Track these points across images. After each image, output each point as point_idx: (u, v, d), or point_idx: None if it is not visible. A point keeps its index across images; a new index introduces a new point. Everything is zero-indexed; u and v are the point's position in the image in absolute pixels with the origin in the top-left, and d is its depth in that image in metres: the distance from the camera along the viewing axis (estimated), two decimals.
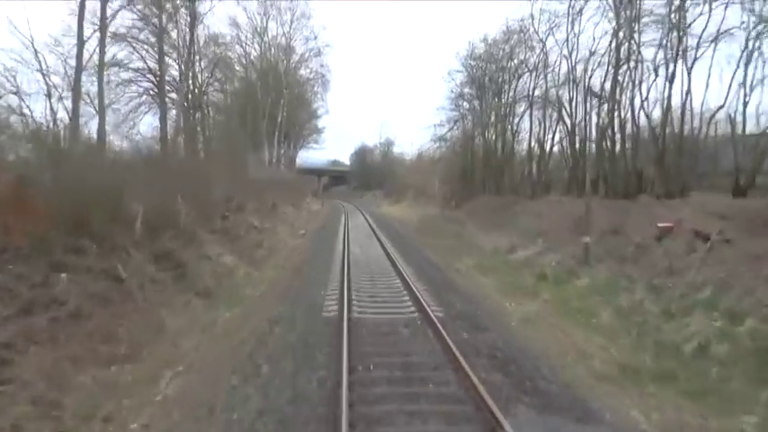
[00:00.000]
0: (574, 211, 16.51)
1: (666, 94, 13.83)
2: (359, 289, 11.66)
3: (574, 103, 18.55)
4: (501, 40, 25.42)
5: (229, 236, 18.11)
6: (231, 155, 35.61)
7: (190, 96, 29.05)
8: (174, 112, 29.07)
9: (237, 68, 42.39)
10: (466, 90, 30.00)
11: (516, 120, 24.67)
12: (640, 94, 14.31)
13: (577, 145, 18.41)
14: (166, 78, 27.27)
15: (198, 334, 8.91)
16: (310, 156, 66.55)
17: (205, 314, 10.33)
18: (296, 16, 46.65)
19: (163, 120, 23.27)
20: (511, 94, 25.52)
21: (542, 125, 21.37)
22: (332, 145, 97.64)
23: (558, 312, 9.77)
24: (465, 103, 30.42)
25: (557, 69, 20.97)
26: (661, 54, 14.29)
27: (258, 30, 44.89)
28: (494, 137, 27.63)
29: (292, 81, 50.67)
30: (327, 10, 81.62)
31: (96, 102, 16.96)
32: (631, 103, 14.65)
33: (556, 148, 21.13)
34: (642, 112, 14.16)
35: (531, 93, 22.47)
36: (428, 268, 14.69)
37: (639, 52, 14.51)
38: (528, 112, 23.72)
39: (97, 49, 16.71)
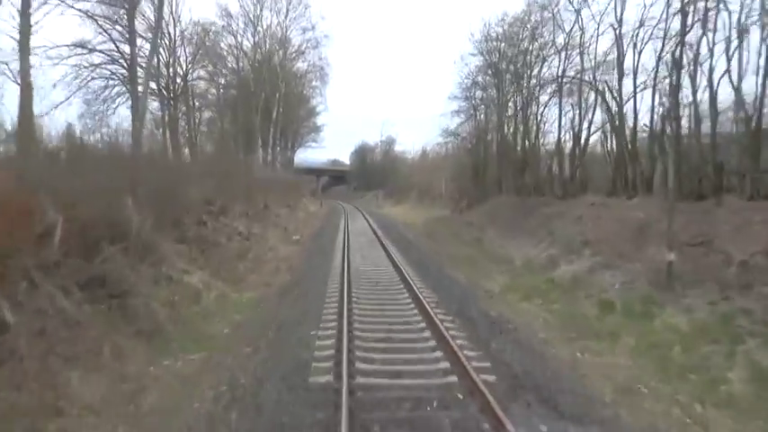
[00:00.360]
0: (627, 215, 13.35)
1: (763, 61, 10.60)
2: (363, 325, 8.49)
3: (619, 84, 15.35)
4: (522, 19, 22.26)
5: (205, 245, 14.88)
6: (218, 151, 32.55)
7: (171, 86, 25.88)
8: (155, 103, 26.02)
9: (229, 59, 39.22)
10: (479, 78, 26.81)
11: (541, 109, 21.50)
12: (728, 58, 11.01)
13: (627, 133, 15.17)
14: (143, 65, 24.16)
15: (114, 414, 5.73)
16: (309, 155, 63.60)
17: (142, 369, 7.15)
18: (292, 5, 43.51)
19: (135, 110, 20.06)
20: (533, 81, 22.32)
21: (576, 112, 18.14)
22: (331, 144, 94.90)
23: (661, 372, 6.59)
24: (479, 92, 27.21)
25: (592, 46, 17.83)
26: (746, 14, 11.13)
27: (251, 18, 41.70)
28: (512, 129, 24.40)
29: (289, 75, 47.56)
30: (326, 1, 78.31)
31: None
32: (709, 77, 11.46)
33: (593, 139, 17.97)
34: (730, 85, 10.93)
35: (560, 76, 19.25)
36: (451, 289, 11.52)
37: (725, 6, 11.24)
38: (556, 99, 20.54)
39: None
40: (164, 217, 13.79)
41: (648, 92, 14.56)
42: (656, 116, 14.21)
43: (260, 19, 42.20)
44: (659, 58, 14.01)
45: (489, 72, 25.31)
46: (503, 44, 23.78)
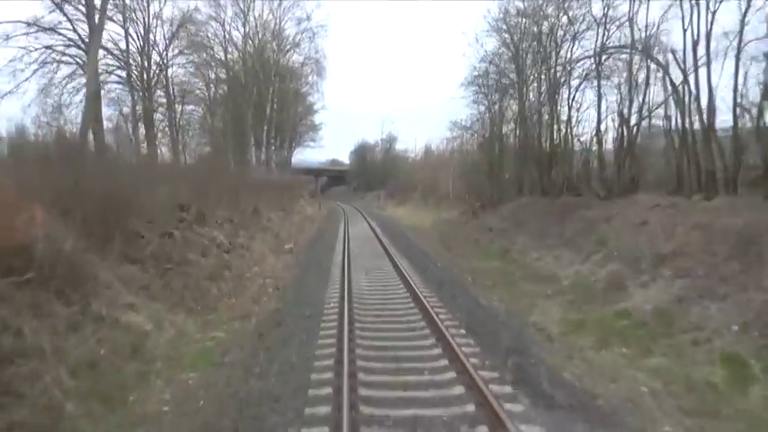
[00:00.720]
0: (716, 221, 10.19)
1: None
2: (372, 407, 5.36)
3: (694, 52, 12.06)
4: None
5: (168, 264, 11.73)
6: (202, 148, 29.54)
7: (145, 75, 22.69)
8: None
9: (216, 50, 35.98)
10: (496, 61, 23.52)
11: (572, 93, 18.22)
12: None
13: (703, 116, 11.93)
14: (110, 48, 21.09)
15: None
16: (308, 155, 60.89)
17: None
18: None
19: (91, 99, 16.97)
20: (561, 61, 19.12)
21: (624, 92, 14.83)
22: (330, 143, 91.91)
23: None
24: (495, 77, 23.83)
25: (641, 13, 14.67)
26: None
27: (241, 6, 38.42)
28: (536, 117, 21.15)
29: (283, 69, 44.46)
30: None
31: None
32: None
33: (644, 124, 14.74)
34: None
35: (599, 51, 15.98)
36: (491, 326, 8.38)
37: None
38: (590, 82, 17.39)
39: None
40: (111, 230, 10.73)
41: (729, 62, 11.44)
42: (742, 91, 11.08)
43: (251, 8, 39.07)
44: (744, 17, 10.94)
45: (509, 53, 22.12)
46: (524, 20, 20.64)
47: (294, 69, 46.62)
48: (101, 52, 18.96)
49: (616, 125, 15.35)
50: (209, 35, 34.09)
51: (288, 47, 43.91)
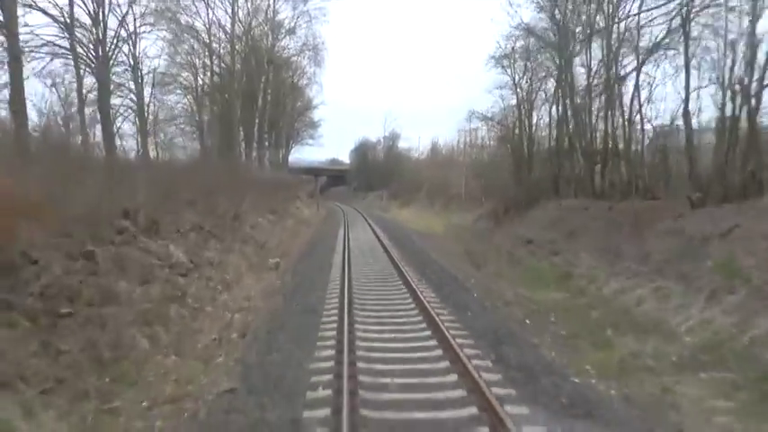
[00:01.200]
0: None
1: None
2: None
3: None
4: None
5: (65, 307, 7.48)
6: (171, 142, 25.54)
7: (99, 48, 18.42)
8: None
9: (201, 31, 31.86)
10: (523, 39, 19.23)
11: (639, 65, 13.80)
12: None
13: None
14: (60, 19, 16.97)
15: None
16: (306, 154, 57.43)
17: None
18: None
19: (15, 71, 12.92)
20: (620, 23, 14.76)
21: (739, 55, 10.47)
22: (330, 142, 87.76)
23: None
24: (525, 48, 19.48)
25: None
26: None
27: None
28: (580, 100, 16.92)
29: (278, 58, 40.47)
30: None
31: None
32: None
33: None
34: None
35: (686, 2, 11.62)
36: None
37: None
38: (664, 51, 13.21)
39: None
40: None
41: None
42: None
43: None
44: None
45: (548, 20, 17.83)
46: None
47: (290, 59, 42.70)
48: (41, 18, 14.93)
49: (719, 101, 11.09)
50: (192, 15, 30.01)
51: (283, 32, 39.89)
